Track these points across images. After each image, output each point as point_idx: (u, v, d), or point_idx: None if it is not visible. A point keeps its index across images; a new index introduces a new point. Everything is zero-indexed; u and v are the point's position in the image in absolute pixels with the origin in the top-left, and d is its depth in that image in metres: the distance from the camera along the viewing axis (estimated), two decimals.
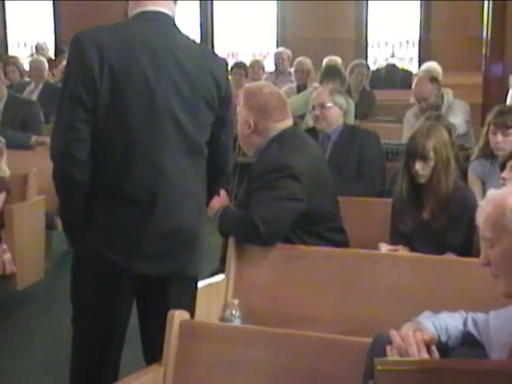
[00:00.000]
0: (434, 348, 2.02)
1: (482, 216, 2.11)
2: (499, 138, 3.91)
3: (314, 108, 4.40)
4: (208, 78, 2.52)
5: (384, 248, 3.35)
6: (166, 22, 2.52)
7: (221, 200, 3.21)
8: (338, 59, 8.22)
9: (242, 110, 3.25)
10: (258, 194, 3.09)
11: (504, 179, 3.37)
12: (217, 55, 2.70)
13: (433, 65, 7.43)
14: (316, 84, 6.62)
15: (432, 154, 3.33)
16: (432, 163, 3.34)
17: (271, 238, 3.06)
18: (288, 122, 3.26)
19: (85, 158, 2.40)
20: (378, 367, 1.80)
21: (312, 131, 4.34)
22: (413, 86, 5.63)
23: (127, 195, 2.45)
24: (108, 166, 2.45)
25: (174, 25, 2.55)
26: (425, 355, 1.97)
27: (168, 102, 2.44)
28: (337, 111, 4.37)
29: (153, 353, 2.58)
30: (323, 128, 4.36)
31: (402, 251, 3.32)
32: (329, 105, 4.35)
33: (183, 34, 2.58)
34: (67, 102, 2.39)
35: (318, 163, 3.30)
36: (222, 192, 3.24)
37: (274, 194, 3.06)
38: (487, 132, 4.00)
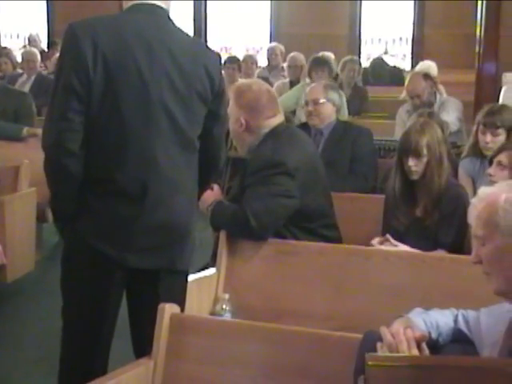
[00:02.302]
0: (424, 345, 2.03)
1: (473, 214, 2.11)
2: (488, 137, 3.91)
3: (307, 103, 4.39)
4: (201, 72, 2.51)
5: (374, 241, 3.34)
6: (160, 15, 2.52)
7: (214, 194, 3.22)
8: (330, 55, 8.25)
9: (232, 108, 3.23)
10: (251, 189, 3.09)
11: (491, 175, 3.37)
12: (210, 49, 2.68)
13: (429, 63, 7.45)
14: (308, 80, 6.64)
15: (425, 151, 3.34)
16: (425, 160, 3.35)
17: (262, 234, 3.06)
18: (279, 119, 3.25)
19: (77, 148, 2.40)
20: (369, 362, 1.80)
21: (304, 126, 4.34)
22: (406, 82, 5.64)
23: (119, 187, 2.45)
24: (100, 158, 2.44)
25: (169, 18, 2.55)
26: (415, 352, 1.98)
27: (161, 95, 2.44)
28: (330, 107, 4.36)
29: (142, 346, 2.58)
30: (316, 124, 4.35)
31: (391, 241, 3.31)
32: (322, 101, 4.34)
33: (177, 28, 2.57)
34: (60, 92, 2.38)
35: (312, 159, 3.30)
36: (215, 186, 3.25)
37: (267, 190, 3.06)
38: (477, 131, 4.00)
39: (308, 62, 7.00)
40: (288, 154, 3.14)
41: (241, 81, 3.52)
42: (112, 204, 2.46)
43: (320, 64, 6.73)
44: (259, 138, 3.20)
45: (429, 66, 7.40)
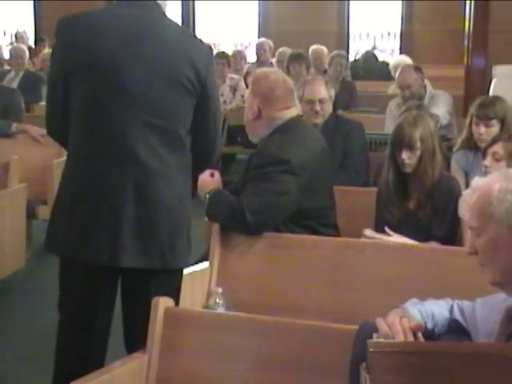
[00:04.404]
0: (420, 335, 2.02)
1: (467, 205, 2.11)
2: (482, 129, 3.92)
3: (311, 102, 4.28)
4: (186, 63, 2.49)
5: (368, 232, 3.32)
6: (151, 8, 2.51)
7: (214, 181, 3.17)
8: (324, 48, 8.31)
9: (248, 95, 3.22)
10: (252, 184, 3.06)
11: (486, 167, 3.36)
12: (199, 41, 2.64)
13: (404, 57, 7.48)
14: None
15: (419, 144, 3.33)
16: (418, 153, 3.34)
17: (257, 230, 3.03)
18: (293, 112, 3.21)
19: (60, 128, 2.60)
20: (371, 349, 1.80)
21: None
22: (396, 74, 5.65)
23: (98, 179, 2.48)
24: (77, 165, 2.53)
25: (160, 11, 2.54)
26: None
27: (138, 86, 2.44)
28: (330, 104, 4.34)
29: (133, 342, 2.57)
30: (320, 122, 4.29)
31: (388, 231, 3.30)
32: (327, 99, 4.30)
33: (169, 20, 2.56)
34: (49, 87, 2.59)
35: (319, 158, 3.23)
36: (217, 174, 3.19)
37: (268, 187, 3.03)
38: (470, 123, 4.01)
39: (286, 58, 7.12)
40: (294, 151, 3.09)
41: (261, 69, 3.47)
42: (94, 203, 2.46)
43: (297, 58, 6.81)
44: (270, 129, 3.15)
45: (404, 60, 7.44)
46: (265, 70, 3.47)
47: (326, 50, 8.32)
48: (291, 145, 3.11)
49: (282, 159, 3.05)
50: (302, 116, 3.41)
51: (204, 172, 3.00)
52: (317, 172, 3.17)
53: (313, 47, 8.37)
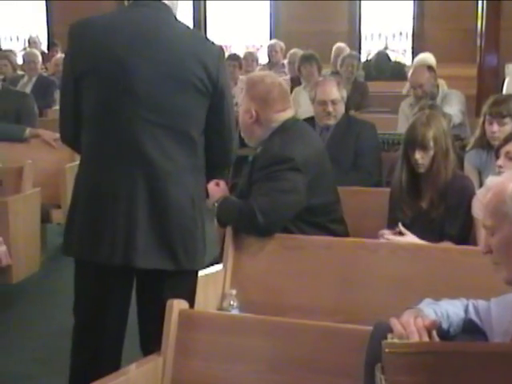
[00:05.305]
0: (434, 334, 2.02)
1: (481, 204, 2.10)
2: (495, 127, 3.90)
3: (323, 103, 4.28)
4: (196, 64, 2.49)
5: (385, 232, 3.31)
6: (161, 9, 2.53)
7: (220, 190, 3.21)
8: (346, 47, 8.37)
9: (243, 99, 3.23)
10: (259, 185, 3.08)
11: (500, 167, 3.34)
12: (210, 42, 2.65)
13: (427, 55, 7.45)
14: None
15: (432, 144, 3.32)
16: (431, 153, 3.33)
17: (269, 229, 3.05)
18: (289, 113, 3.23)
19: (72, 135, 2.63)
20: (386, 350, 1.80)
21: (309, 121, 4.30)
22: (409, 74, 5.65)
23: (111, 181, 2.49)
24: (90, 167, 2.55)
25: (170, 13, 2.55)
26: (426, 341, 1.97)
27: (147, 87, 2.45)
28: (343, 104, 4.34)
29: (148, 344, 2.58)
30: (332, 123, 4.30)
31: (401, 228, 3.29)
32: (339, 100, 4.30)
33: (179, 22, 2.57)
34: (62, 91, 2.65)
35: (319, 155, 3.28)
36: (222, 183, 3.24)
37: (275, 186, 3.05)
38: (483, 122, 3.99)
39: (297, 59, 7.14)
40: (296, 149, 3.11)
41: (254, 73, 3.48)
42: (107, 205, 2.47)
43: (308, 59, 6.84)
44: (268, 131, 3.18)
45: (428, 57, 7.41)
46: (259, 73, 3.51)
47: (347, 48, 8.38)
48: (292, 143, 3.13)
49: (286, 157, 3.07)
50: (296, 117, 3.42)
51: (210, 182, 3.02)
52: (319, 168, 3.21)
53: (336, 45, 8.46)
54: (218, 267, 3.07)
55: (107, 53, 2.46)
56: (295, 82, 7.29)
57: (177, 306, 2.49)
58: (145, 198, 2.47)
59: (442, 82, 5.65)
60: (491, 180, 2.13)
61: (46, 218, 5.08)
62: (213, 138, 2.61)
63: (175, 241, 2.52)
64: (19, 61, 8.69)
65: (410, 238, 3.25)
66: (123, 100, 2.46)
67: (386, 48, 11.36)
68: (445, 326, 2.09)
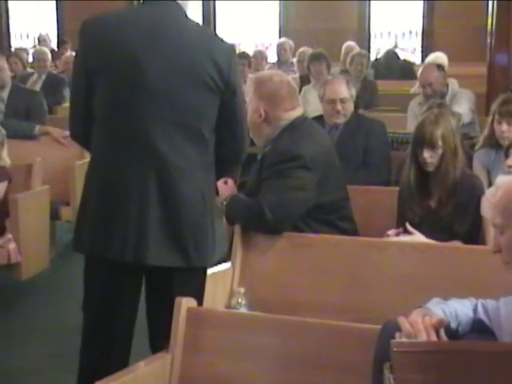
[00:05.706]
0: (442, 333, 2.01)
1: (490, 203, 2.10)
2: (504, 126, 3.89)
3: (332, 102, 4.27)
4: (207, 61, 2.50)
5: (391, 232, 3.31)
6: (172, 7, 2.53)
7: (229, 189, 3.22)
8: (355, 45, 8.38)
9: (252, 98, 3.22)
10: (268, 182, 3.08)
11: (509, 167, 3.33)
12: (220, 39, 2.65)
13: (440, 54, 7.44)
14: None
15: (440, 142, 3.31)
16: (440, 151, 3.32)
17: (278, 227, 3.05)
18: (298, 111, 3.23)
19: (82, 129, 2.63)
20: (395, 349, 1.80)
21: (318, 120, 4.30)
22: (419, 72, 5.64)
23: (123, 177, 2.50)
24: (100, 163, 2.55)
25: (181, 11, 2.55)
26: (434, 340, 1.97)
27: (159, 83, 2.45)
28: (352, 103, 4.34)
29: (157, 341, 2.59)
30: (341, 122, 4.30)
31: (409, 228, 3.29)
32: (348, 98, 4.29)
33: (189, 19, 2.57)
34: (72, 88, 2.63)
35: (328, 153, 3.28)
36: (230, 181, 3.24)
37: (284, 184, 3.05)
38: (492, 121, 3.98)
39: (306, 57, 7.15)
40: (305, 147, 3.11)
41: (262, 71, 3.46)
42: (118, 201, 2.48)
43: (317, 57, 6.84)
44: (277, 130, 3.18)
45: (440, 56, 7.39)
46: (266, 72, 3.50)
47: (357, 47, 8.39)
48: (302, 141, 3.13)
49: (296, 155, 3.07)
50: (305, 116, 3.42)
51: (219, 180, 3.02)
52: (328, 166, 3.21)
53: (345, 44, 8.47)
54: (227, 265, 3.07)
55: (119, 49, 2.46)
56: (304, 81, 7.29)
57: (185, 303, 2.49)
58: (156, 195, 2.47)
59: (453, 81, 5.63)
60: (501, 179, 2.13)
61: (55, 215, 5.10)
62: (225, 134, 2.61)
63: (186, 237, 2.52)
64: (30, 58, 8.72)
65: (418, 237, 3.24)
66: (135, 96, 2.46)
67: (395, 46, 11.34)
68: (453, 325, 2.09)
